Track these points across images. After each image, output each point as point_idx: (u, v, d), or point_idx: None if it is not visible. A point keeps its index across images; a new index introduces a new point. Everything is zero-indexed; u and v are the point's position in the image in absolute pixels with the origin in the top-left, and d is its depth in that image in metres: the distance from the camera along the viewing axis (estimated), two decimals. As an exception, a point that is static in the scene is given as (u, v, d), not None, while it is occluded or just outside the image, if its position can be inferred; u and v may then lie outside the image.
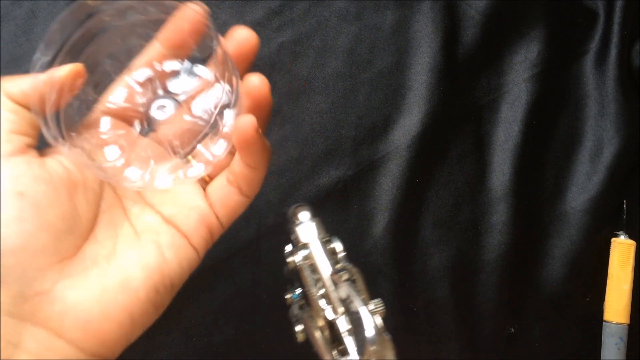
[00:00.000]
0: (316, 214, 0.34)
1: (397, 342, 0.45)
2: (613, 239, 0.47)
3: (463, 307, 0.46)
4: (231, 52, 0.28)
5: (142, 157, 0.28)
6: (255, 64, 0.44)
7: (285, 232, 0.44)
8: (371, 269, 0.45)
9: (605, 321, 0.47)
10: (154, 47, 0.29)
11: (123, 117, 0.29)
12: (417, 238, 0.46)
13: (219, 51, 0.27)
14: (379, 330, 0.27)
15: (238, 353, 0.43)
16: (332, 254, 0.32)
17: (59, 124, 0.27)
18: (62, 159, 0.27)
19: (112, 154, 0.28)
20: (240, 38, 0.28)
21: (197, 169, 0.28)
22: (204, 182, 0.30)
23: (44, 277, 0.24)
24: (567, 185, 0.48)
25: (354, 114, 0.45)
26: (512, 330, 0.46)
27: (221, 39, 0.27)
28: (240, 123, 0.26)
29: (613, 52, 0.48)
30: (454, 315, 0.45)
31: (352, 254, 0.45)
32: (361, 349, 0.26)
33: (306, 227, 0.32)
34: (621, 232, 0.47)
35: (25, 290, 0.24)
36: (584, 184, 0.47)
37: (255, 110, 0.28)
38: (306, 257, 0.31)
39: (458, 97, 0.47)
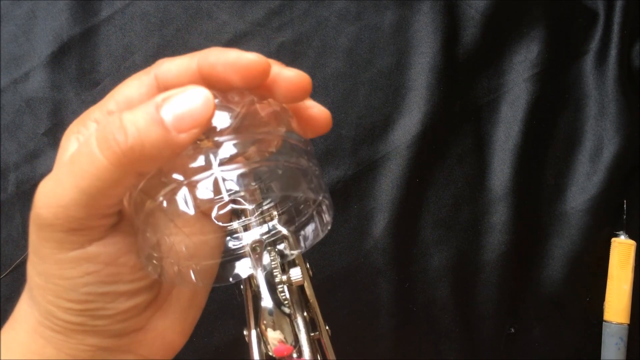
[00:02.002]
0: None
1: (397, 342, 0.45)
2: (613, 239, 0.47)
3: (463, 307, 0.46)
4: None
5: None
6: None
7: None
8: (371, 269, 0.45)
9: (605, 321, 0.47)
10: None
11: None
12: (417, 238, 0.46)
13: None
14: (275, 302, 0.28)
15: (238, 353, 0.43)
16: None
17: None
18: None
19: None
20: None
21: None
22: None
23: (143, 317, 0.25)
24: (567, 185, 0.48)
25: (354, 114, 0.45)
26: (512, 330, 0.46)
27: None
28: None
29: (613, 52, 0.48)
30: (454, 315, 0.45)
31: (352, 254, 0.45)
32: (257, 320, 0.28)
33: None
34: (621, 232, 0.47)
35: (124, 331, 0.25)
36: (584, 184, 0.47)
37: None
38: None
39: (458, 97, 0.47)
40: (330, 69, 0.45)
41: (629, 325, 0.46)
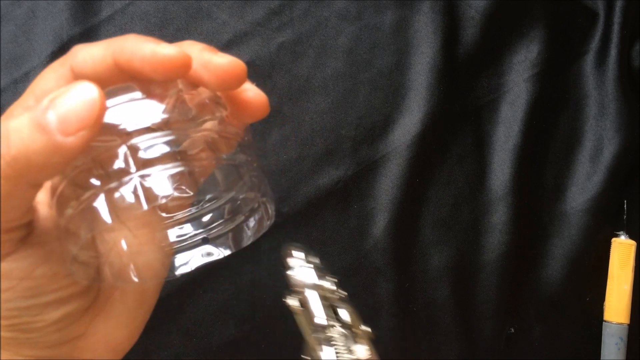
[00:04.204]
0: (311, 253, 0.33)
1: (397, 342, 0.45)
2: (613, 239, 0.47)
3: (463, 307, 0.46)
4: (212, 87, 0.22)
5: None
6: (255, 63, 0.45)
7: (285, 232, 0.44)
8: (371, 269, 0.45)
9: (605, 321, 0.47)
10: None
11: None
12: (417, 238, 0.46)
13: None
14: None
15: (238, 353, 0.43)
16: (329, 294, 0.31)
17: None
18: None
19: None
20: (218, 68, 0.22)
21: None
22: None
23: (80, 324, 0.24)
24: (567, 185, 0.48)
25: (354, 114, 0.45)
26: (512, 330, 0.46)
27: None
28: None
29: (613, 52, 0.48)
30: (454, 315, 0.45)
31: (352, 254, 0.45)
32: None
33: (300, 273, 0.31)
34: (622, 232, 0.47)
35: (62, 340, 0.24)
36: (584, 184, 0.47)
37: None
38: (302, 303, 0.30)
39: (458, 97, 0.47)
40: (330, 69, 0.45)
41: (629, 325, 0.46)
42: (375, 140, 0.46)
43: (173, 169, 0.20)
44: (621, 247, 0.47)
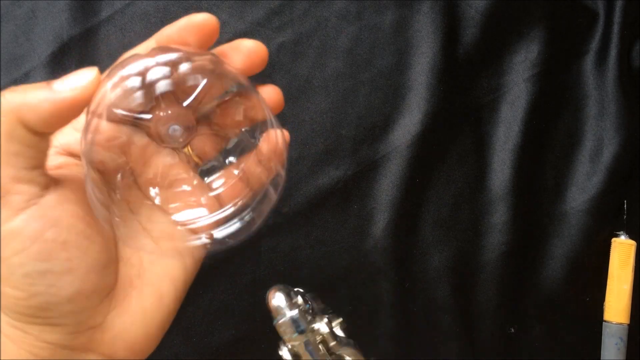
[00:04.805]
0: (295, 292, 0.33)
1: (397, 342, 0.45)
2: (613, 239, 0.47)
3: (463, 307, 0.46)
4: (240, 67, 0.27)
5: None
6: (255, 64, 0.45)
7: (285, 232, 0.44)
8: (371, 269, 0.45)
9: (605, 321, 0.47)
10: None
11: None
12: (417, 238, 0.46)
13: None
14: None
15: (238, 353, 0.43)
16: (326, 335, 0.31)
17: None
18: (66, 170, 0.26)
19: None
20: (248, 50, 0.27)
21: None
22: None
23: (97, 313, 0.25)
24: (567, 185, 0.48)
25: (354, 114, 0.45)
26: (512, 330, 0.46)
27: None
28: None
29: (613, 52, 0.48)
30: (454, 315, 0.45)
31: (352, 254, 0.45)
32: None
33: (285, 324, 0.31)
34: (622, 232, 0.47)
35: (80, 327, 0.25)
36: (584, 184, 0.47)
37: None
38: (296, 356, 0.31)
39: (458, 97, 0.47)
40: (330, 69, 0.45)
41: (629, 325, 0.46)
42: (375, 140, 0.46)
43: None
44: (621, 247, 0.47)
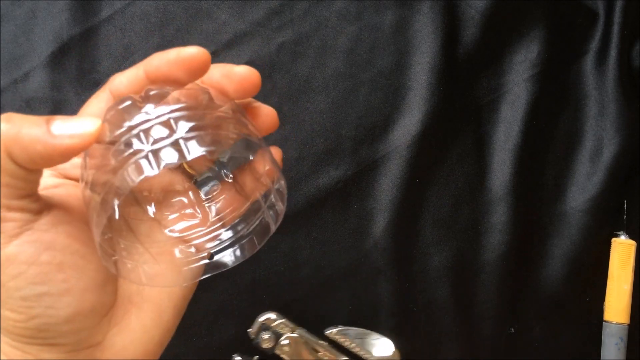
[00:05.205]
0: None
1: (397, 342, 0.45)
2: (614, 239, 0.47)
3: (463, 307, 0.46)
4: (232, 95, 0.26)
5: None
6: (255, 63, 0.45)
7: (285, 232, 0.44)
8: (371, 269, 0.45)
9: (605, 321, 0.47)
10: None
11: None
12: (417, 238, 0.46)
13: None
14: None
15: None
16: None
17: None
18: (58, 191, 0.25)
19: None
20: (240, 77, 0.26)
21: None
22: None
23: (97, 332, 0.25)
24: (567, 185, 0.48)
25: (354, 114, 0.45)
26: (512, 330, 0.46)
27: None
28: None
29: (613, 52, 0.48)
30: (454, 315, 0.45)
31: (352, 254, 0.45)
32: None
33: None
34: (622, 232, 0.47)
35: (79, 346, 0.25)
36: (584, 184, 0.47)
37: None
38: None
39: (458, 97, 0.47)
40: (330, 69, 0.45)
41: (629, 325, 0.46)
42: (375, 140, 0.46)
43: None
44: (621, 247, 0.47)
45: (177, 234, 0.28)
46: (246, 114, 0.27)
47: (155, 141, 0.22)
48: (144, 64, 0.25)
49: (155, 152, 0.22)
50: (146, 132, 0.22)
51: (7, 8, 0.44)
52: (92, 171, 0.23)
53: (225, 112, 0.25)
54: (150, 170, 0.22)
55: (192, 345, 0.43)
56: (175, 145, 0.22)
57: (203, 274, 0.29)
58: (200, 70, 0.24)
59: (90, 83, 0.44)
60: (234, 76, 0.25)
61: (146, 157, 0.22)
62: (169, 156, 0.22)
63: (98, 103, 0.26)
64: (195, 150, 0.22)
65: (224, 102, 0.25)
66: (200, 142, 0.22)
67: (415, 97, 0.46)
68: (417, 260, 0.46)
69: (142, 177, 0.22)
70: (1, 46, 0.44)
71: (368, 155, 0.45)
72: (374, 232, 0.45)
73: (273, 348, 0.42)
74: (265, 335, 0.41)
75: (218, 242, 0.29)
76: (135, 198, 0.28)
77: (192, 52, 0.24)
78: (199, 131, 0.22)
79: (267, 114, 0.28)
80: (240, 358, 0.42)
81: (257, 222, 0.29)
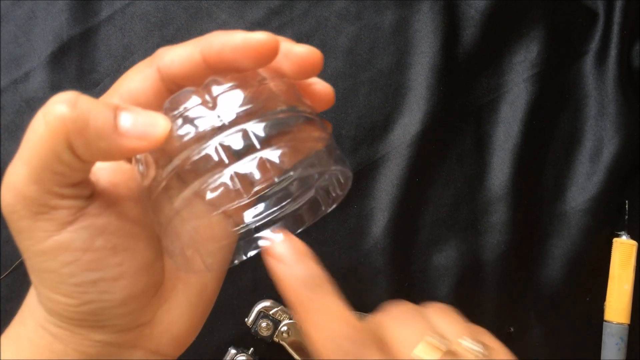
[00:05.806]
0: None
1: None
2: (615, 239, 0.47)
3: (463, 307, 0.46)
4: (290, 75, 0.24)
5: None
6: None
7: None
8: (371, 269, 0.45)
9: (605, 321, 0.47)
10: None
11: None
12: (417, 238, 0.46)
13: None
14: None
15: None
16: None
17: None
18: (102, 172, 0.24)
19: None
20: (299, 58, 0.24)
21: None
22: None
23: (148, 311, 0.25)
24: (567, 185, 0.48)
25: (354, 113, 0.45)
26: (512, 330, 0.46)
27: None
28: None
29: (613, 52, 0.48)
30: (454, 315, 0.45)
31: (352, 254, 0.45)
32: None
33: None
34: (623, 232, 0.47)
35: (130, 325, 0.24)
36: (584, 184, 0.47)
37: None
38: None
39: (458, 97, 0.47)
40: (330, 69, 0.45)
41: (629, 325, 0.46)
42: (375, 140, 0.46)
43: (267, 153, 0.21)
44: (622, 247, 0.47)
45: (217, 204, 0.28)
46: (301, 95, 0.25)
47: (235, 157, 0.20)
48: (202, 46, 0.22)
49: (241, 175, 0.20)
50: (224, 146, 0.20)
51: (7, 8, 0.44)
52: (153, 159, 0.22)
53: (290, 109, 0.23)
54: (239, 196, 0.20)
55: (192, 345, 0.43)
56: (261, 164, 0.20)
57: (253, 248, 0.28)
58: (268, 59, 0.22)
59: (90, 83, 0.44)
60: (293, 57, 0.23)
61: (231, 179, 0.20)
62: (256, 176, 0.20)
63: (143, 81, 0.24)
64: (279, 170, 0.20)
65: (279, 83, 0.23)
66: (285, 159, 0.21)
67: (415, 97, 0.46)
68: (417, 260, 0.46)
69: (232, 205, 0.21)
70: (1, 46, 0.44)
71: (368, 155, 0.45)
72: (374, 232, 0.45)
73: (271, 335, 0.42)
74: (263, 323, 0.41)
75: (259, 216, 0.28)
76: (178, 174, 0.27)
77: (262, 38, 0.21)
78: (279, 144, 0.21)
79: (324, 92, 0.26)
80: (235, 351, 0.41)
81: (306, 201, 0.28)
